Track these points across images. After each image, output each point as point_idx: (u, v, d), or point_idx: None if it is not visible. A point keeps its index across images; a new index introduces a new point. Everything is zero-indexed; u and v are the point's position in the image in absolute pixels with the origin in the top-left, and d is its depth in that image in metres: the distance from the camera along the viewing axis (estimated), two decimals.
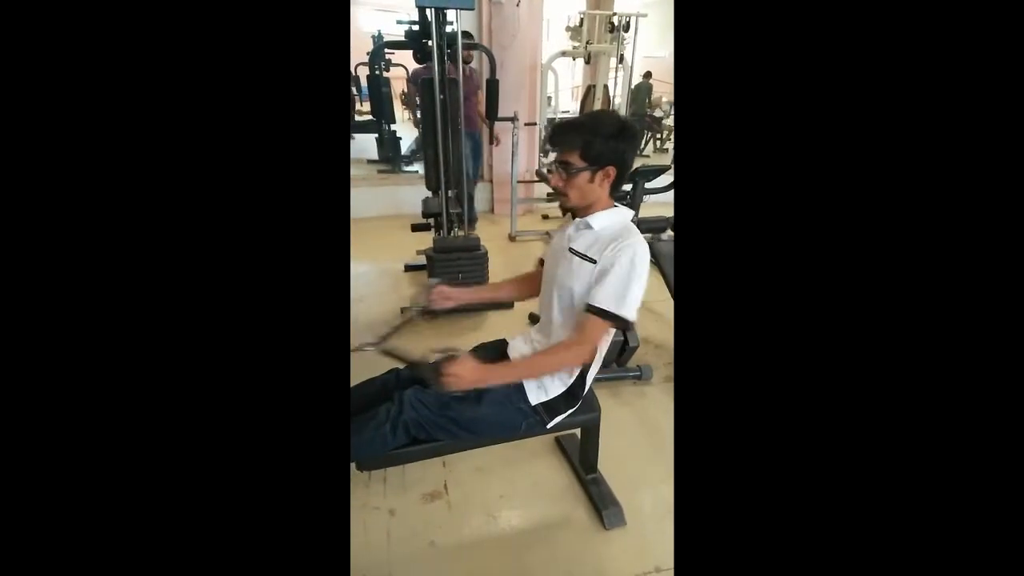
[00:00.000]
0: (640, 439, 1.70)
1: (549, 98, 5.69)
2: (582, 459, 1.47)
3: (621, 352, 1.96)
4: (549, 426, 1.17)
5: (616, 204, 1.12)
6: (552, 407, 1.15)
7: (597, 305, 1.02)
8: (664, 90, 7.92)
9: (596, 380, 1.98)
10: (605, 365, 2.01)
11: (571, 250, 1.10)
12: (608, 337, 1.14)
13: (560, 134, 1.04)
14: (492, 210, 4.55)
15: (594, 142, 1.01)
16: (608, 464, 1.46)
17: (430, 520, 1.35)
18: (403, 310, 0.99)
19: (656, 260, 2.27)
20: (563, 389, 1.15)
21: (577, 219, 1.12)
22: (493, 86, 2.70)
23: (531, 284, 1.31)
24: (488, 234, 3.68)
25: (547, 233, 3.44)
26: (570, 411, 1.17)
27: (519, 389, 1.13)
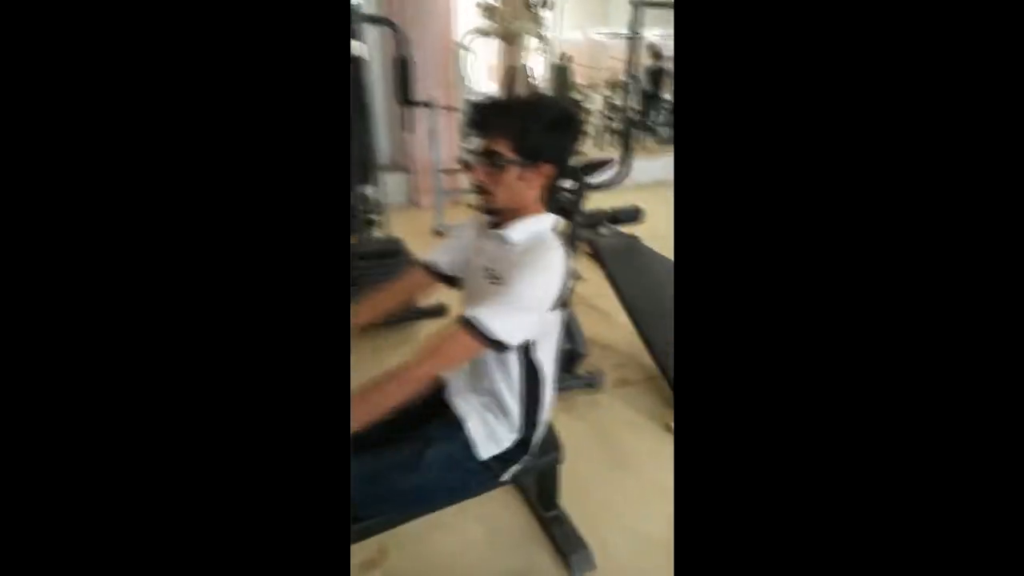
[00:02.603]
0: (599, 458, 1.55)
1: (467, 80, 5.39)
2: (540, 496, 1.29)
3: (571, 360, 1.80)
4: (503, 479, 0.98)
5: (543, 211, 0.87)
6: (505, 458, 0.95)
7: (467, 315, 0.76)
8: (583, 73, 7.87)
9: None
10: None
11: (486, 269, 0.87)
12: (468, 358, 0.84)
13: (488, 116, 0.80)
14: (413, 202, 4.24)
15: (531, 131, 0.78)
16: (568, 492, 1.28)
17: None
18: None
19: (596, 255, 2.13)
20: (516, 437, 0.95)
21: (492, 229, 0.88)
22: (403, 66, 2.41)
23: (395, 297, 1.01)
24: (410, 229, 3.38)
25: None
26: (525, 458, 0.98)
27: (464, 446, 0.92)
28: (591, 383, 1.84)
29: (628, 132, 1.70)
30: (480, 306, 0.77)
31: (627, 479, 1.48)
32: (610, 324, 2.31)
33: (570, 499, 1.29)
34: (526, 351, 0.88)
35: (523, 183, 0.81)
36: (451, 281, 1.00)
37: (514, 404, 0.92)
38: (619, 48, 6.64)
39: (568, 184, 1.59)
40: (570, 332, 1.77)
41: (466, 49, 4.31)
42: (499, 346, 0.77)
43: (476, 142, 0.82)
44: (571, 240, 1.60)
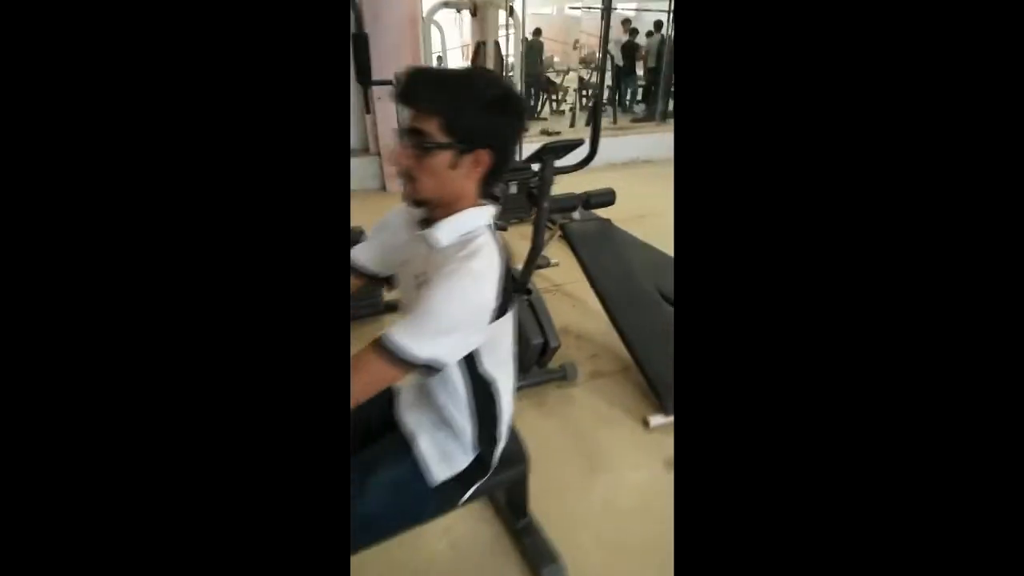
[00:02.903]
0: (572, 458, 1.48)
1: (440, 58, 5.15)
2: (509, 504, 1.21)
3: (542, 353, 1.72)
4: (463, 501, 0.89)
5: (482, 203, 0.75)
6: (464, 479, 0.86)
7: (382, 335, 0.66)
8: (555, 49, 7.65)
9: (516, 388, 1.74)
10: (524, 369, 1.76)
11: (416, 277, 0.75)
12: (392, 379, 0.68)
13: (416, 88, 0.67)
14: (383, 187, 4.08)
15: (465, 110, 0.66)
16: (539, 496, 1.20)
17: None
18: None
19: (568, 240, 2.03)
20: (473, 456, 0.85)
21: (421, 227, 0.75)
22: (360, 42, 2.23)
23: None
24: (378, 216, 3.23)
25: None
26: (487, 477, 0.89)
27: (415, 468, 0.82)
28: (563, 377, 1.76)
29: (597, 112, 1.58)
30: (399, 322, 0.66)
31: (602, 479, 1.41)
32: (584, 312, 2.23)
33: (542, 504, 1.21)
34: (471, 365, 0.78)
35: (455, 172, 0.69)
36: (386, 281, 0.88)
37: (465, 423, 0.82)
38: (592, 22, 6.46)
39: (535, 167, 1.48)
40: (540, 324, 1.68)
41: (434, 24, 4.09)
42: (423, 369, 0.67)
43: (403, 119, 0.69)
44: (538, 228, 1.50)
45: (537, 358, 1.72)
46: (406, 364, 0.65)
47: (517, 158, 2.75)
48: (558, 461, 1.45)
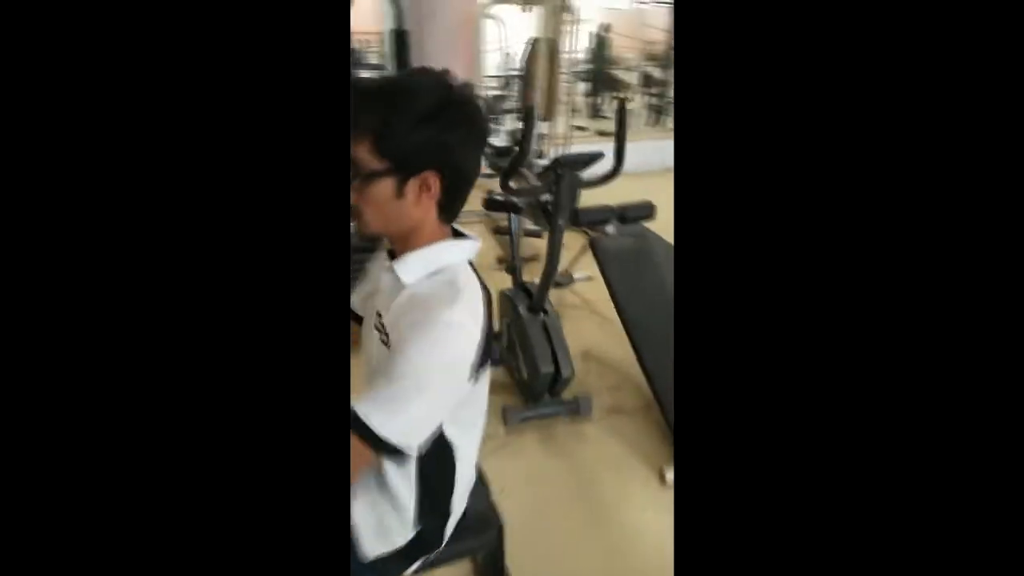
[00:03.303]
0: (578, 508, 1.32)
1: (508, 55, 5.01)
2: (485, 562, 1.07)
3: (553, 382, 1.57)
4: (407, 574, 0.76)
5: (460, 233, 0.65)
6: (404, 555, 0.73)
7: (353, 410, 0.53)
8: (626, 45, 7.33)
9: (522, 419, 1.61)
10: (533, 398, 1.62)
11: (378, 316, 0.64)
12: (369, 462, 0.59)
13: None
14: None
15: (396, 126, 0.54)
16: (530, 547, 1.05)
17: None
18: None
19: (597, 257, 1.86)
20: (414, 532, 0.73)
21: (388, 261, 0.65)
22: (399, 38, 2.17)
23: None
24: None
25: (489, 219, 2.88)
26: (434, 552, 0.76)
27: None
28: (576, 411, 1.59)
29: (622, 116, 1.36)
30: (365, 394, 0.55)
31: (607, 534, 1.24)
32: (612, 334, 2.03)
33: (532, 558, 1.07)
34: None
35: (401, 201, 0.57)
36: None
37: (407, 492, 0.69)
38: (663, 17, 6.12)
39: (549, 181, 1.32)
40: (553, 351, 1.53)
41: (496, 20, 3.99)
42: (388, 449, 0.54)
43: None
44: (552, 248, 1.35)
45: (548, 387, 1.58)
46: (380, 445, 0.53)
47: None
48: (558, 508, 1.30)
